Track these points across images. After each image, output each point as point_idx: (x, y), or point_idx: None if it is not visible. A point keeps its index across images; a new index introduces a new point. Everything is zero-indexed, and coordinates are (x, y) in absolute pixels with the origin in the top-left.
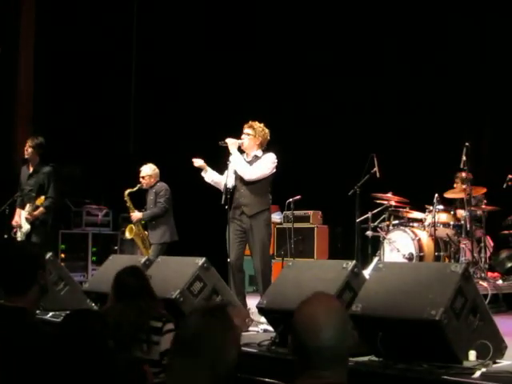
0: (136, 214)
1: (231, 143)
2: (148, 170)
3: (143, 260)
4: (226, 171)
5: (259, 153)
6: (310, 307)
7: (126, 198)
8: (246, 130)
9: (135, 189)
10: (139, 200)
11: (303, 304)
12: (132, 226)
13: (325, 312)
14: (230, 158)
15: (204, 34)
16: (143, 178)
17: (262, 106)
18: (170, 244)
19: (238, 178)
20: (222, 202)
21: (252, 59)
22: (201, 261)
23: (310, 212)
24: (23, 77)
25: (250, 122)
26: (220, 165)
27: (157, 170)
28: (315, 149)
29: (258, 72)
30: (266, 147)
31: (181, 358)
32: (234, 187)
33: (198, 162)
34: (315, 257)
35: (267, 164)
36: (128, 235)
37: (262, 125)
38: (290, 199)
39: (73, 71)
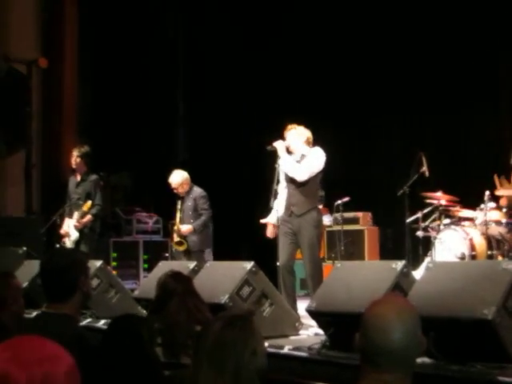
0: (186, 227)
1: (280, 146)
2: (178, 179)
3: (192, 266)
4: (276, 175)
5: (306, 150)
6: (381, 307)
7: (176, 228)
8: (290, 131)
9: (179, 213)
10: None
11: (375, 303)
12: (180, 238)
13: (397, 313)
14: (279, 162)
15: (245, 39)
16: (176, 189)
17: (303, 106)
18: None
19: (288, 179)
20: (271, 205)
21: (291, 58)
22: (249, 265)
23: (360, 214)
24: (68, 87)
25: (289, 126)
26: (268, 170)
27: (186, 175)
28: (362, 149)
29: (299, 71)
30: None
31: (204, 370)
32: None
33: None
34: (366, 259)
35: (316, 160)
36: (180, 248)
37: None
38: (339, 201)
39: (118, 79)
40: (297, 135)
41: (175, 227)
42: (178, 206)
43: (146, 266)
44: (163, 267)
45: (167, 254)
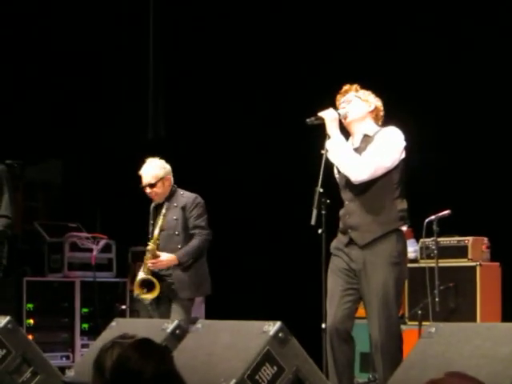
0: (168, 257)
1: (330, 118)
2: (157, 171)
3: (171, 328)
4: (322, 169)
5: (372, 128)
6: None
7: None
8: (346, 96)
9: (157, 230)
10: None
11: None
12: (148, 276)
13: None
14: (327, 146)
15: None
16: (151, 186)
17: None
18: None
19: (342, 181)
20: (313, 223)
21: None
22: (273, 327)
23: (468, 239)
24: None
25: (346, 86)
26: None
27: (168, 168)
28: (469, 128)
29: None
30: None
31: None
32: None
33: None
34: (478, 318)
35: (389, 147)
36: (147, 295)
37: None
38: (432, 216)
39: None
40: (359, 102)
41: (148, 255)
42: (151, 221)
43: (85, 326)
44: (119, 329)
45: (124, 306)
